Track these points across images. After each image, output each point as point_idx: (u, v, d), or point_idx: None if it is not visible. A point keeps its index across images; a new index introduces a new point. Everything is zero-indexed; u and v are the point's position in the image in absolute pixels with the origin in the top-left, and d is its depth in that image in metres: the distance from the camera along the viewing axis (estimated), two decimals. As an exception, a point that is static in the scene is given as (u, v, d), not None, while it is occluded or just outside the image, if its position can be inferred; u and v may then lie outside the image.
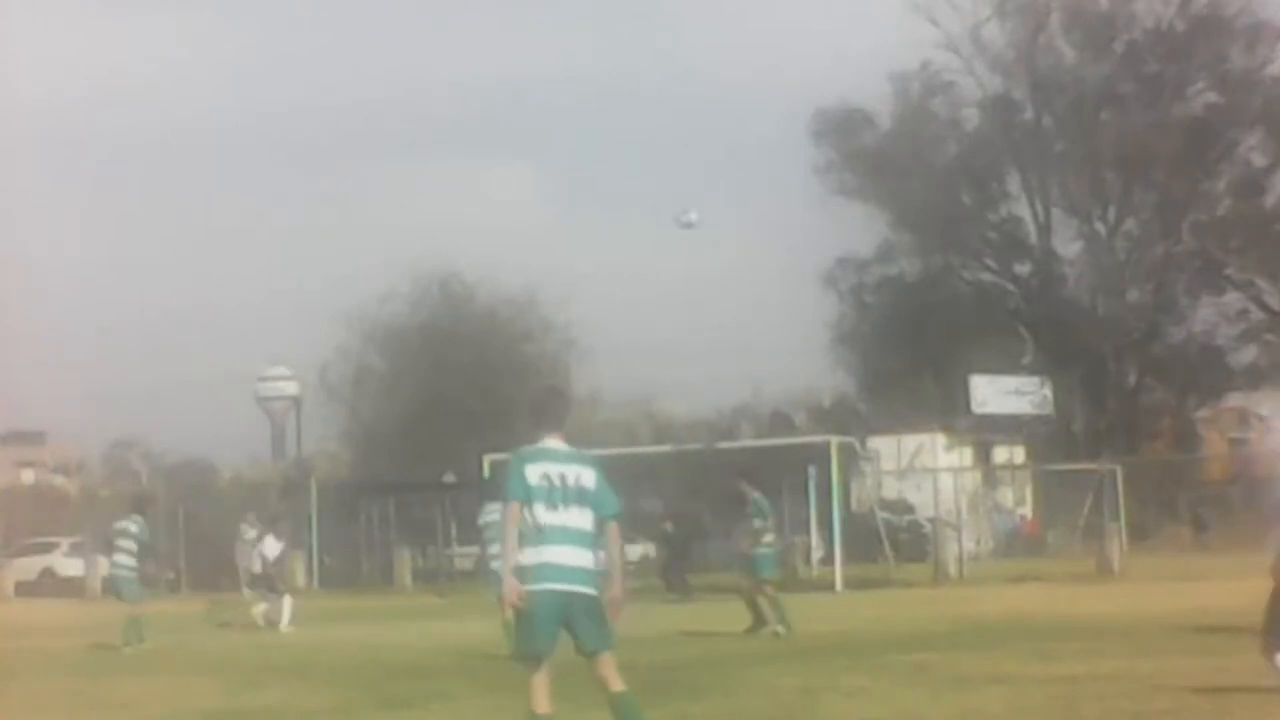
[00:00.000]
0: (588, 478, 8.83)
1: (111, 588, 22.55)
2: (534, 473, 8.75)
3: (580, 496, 8.76)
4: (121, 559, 22.10)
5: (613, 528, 8.88)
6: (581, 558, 8.67)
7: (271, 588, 26.58)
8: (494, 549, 19.51)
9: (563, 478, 8.76)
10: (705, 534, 42.24)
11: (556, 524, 8.67)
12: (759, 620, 20.40)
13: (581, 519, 8.71)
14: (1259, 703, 11.06)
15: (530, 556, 8.64)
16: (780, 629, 19.85)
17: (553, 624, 8.53)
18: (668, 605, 30.16)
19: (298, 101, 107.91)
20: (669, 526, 38.26)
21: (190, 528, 48.68)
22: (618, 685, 8.59)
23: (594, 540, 8.78)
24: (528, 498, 8.70)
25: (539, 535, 8.66)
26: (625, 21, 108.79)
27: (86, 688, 16.16)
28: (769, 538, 21.14)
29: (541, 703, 8.58)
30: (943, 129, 61.74)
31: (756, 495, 21.17)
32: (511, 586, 8.59)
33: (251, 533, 30.42)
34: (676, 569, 36.29)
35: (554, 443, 8.90)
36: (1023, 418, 54.01)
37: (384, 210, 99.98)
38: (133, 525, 22.15)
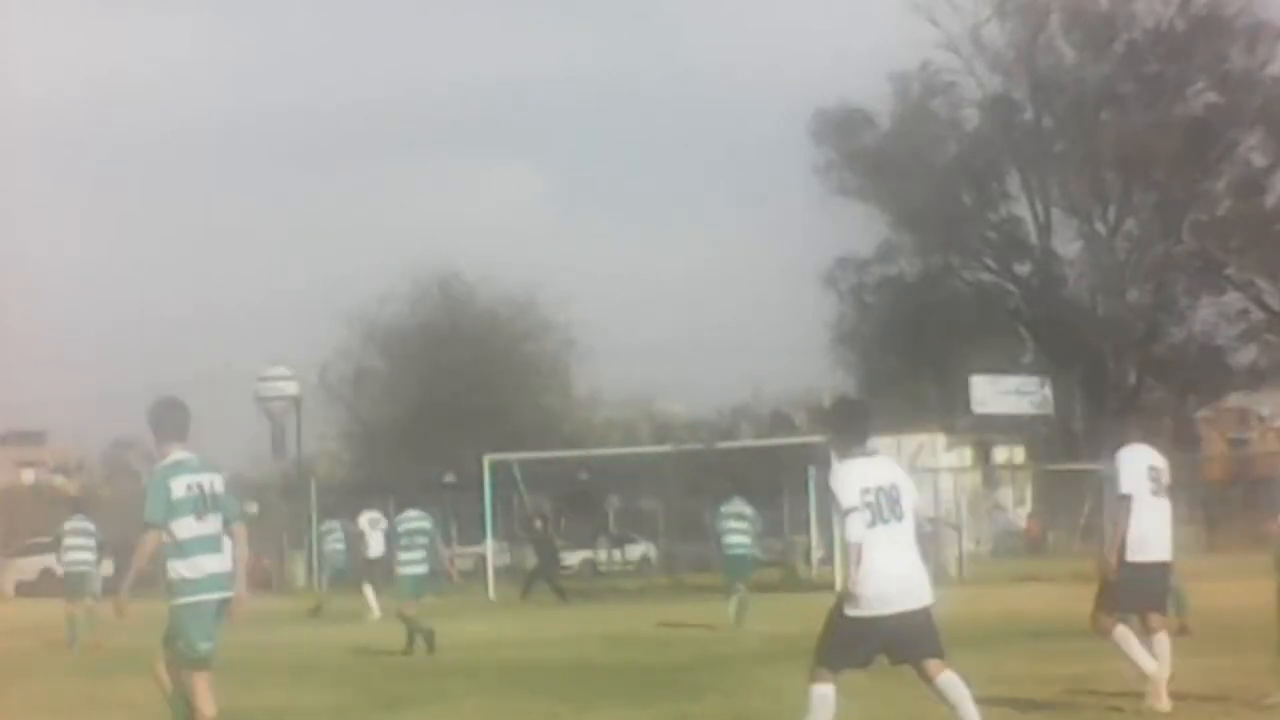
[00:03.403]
0: (219, 484, 9.25)
1: (72, 585, 23.28)
2: (178, 486, 9.06)
3: (216, 504, 9.15)
4: (82, 555, 23.14)
5: (238, 530, 9.31)
6: (227, 563, 9.23)
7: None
8: (408, 555, 19.76)
9: (201, 487, 9.13)
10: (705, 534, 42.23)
11: (206, 534, 9.12)
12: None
13: (217, 525, 9.17)
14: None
15: (191, 568, 9.10)
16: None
17: (214, 629, 9.28)
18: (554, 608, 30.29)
19: (298, 101, 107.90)
20: (538, 524, 37.93)
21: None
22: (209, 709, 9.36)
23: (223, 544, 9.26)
24: (171, 513, 9.05)
25: (193, 546, 9.04)
26: (625, 21, 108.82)
27: (87, 688, 16.14)
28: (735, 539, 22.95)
29: (207, 705, 9.40)
30: (943, 129, 61.70)
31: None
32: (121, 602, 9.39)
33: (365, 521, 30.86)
34: (546, 570, 35.97)
35: (183, 454, 9.23)
36: (1023, 418, 54.02)
37: (384, 210, 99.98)
38: (89, 524, 23.35)
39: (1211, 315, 59.29)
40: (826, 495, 9.01)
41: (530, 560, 37.10)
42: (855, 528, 8.35)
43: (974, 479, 46.22)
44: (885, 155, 59.80)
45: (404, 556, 19.90)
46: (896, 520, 8.50)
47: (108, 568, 25.75)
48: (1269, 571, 12.20)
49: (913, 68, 59.72)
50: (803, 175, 60.71)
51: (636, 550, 50.96)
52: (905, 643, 8.48)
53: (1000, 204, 62.16)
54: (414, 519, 20.16)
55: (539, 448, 41.83)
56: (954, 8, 58.41)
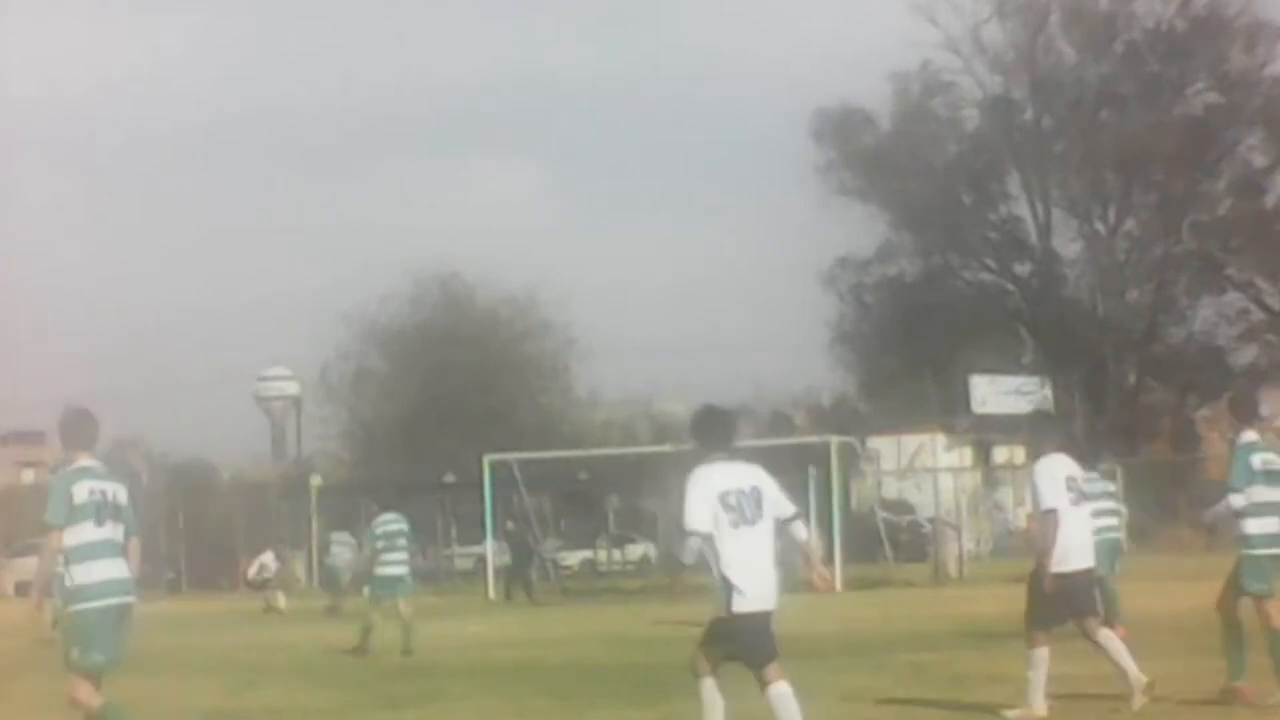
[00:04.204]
0: (122, 495, 9.39)
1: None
2: (81, 491, 9.17)
3: (116, 513, 9.27)
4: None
5: (134, 544, 9.42)
6: (125, 569, 9.27)
7: None
8: (389, 556, 20.04)
9: (103, 494, 9.24)
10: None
11: (104, 540, 9.18)
12: None
13: (117, 533, 9.25)
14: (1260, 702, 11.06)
15: (86, 574, 9.10)
16: None
17: (118, 635, 9.22)
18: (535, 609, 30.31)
19: (298, 101, 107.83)
20: (510, 526, 37.97)
21: (190, 528, 48.69)
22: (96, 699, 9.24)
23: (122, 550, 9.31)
24: (72, 517, 9.12)
25: (89, 552, 9.12)
26: (626, 21, 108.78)
27: (86, 688, 16.13)
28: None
29: (93, 697, 9.25)
30: (943, 129, 61.71)
31: None
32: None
33: None
34: (519, 570, 36.03)
35: (88, 461, 9.41)
36: (1023, 418, 53.98)
37: (384, 210, 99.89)
38: None
39: (1211, 315, 59.36)
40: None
41: (515, 562, 37.10)
42: (696, 542, 8.64)
43: (974, 479, 46.20)
44: (885, 155, 59.82)
45: (382, 558, 20.26)
46: (759, 522, 8.78)
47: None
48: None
49: (913, 68, 59.81)
50: (803, 175, 60.82)
51: (636, 550, 50.94)
52: (761, 643, 8.78)
53: (1000, 204, 62.16)
54: (391, 521, 20.56)
55: (539, 448, 41.84)
56: (954, 8, 58.49)
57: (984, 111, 61.05)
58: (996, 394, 54.42)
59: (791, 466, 39.07)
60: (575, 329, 57.85)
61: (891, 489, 44.77)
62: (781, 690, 8.74)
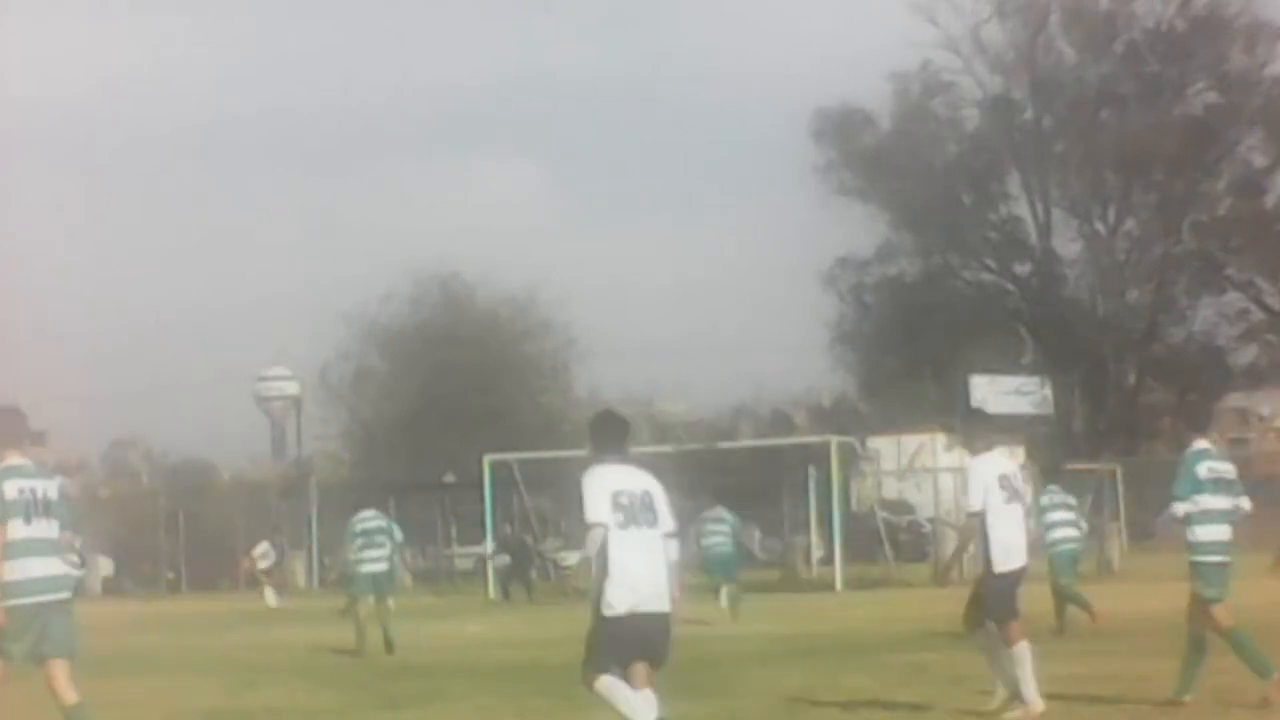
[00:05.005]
0: (54, 491, 9.48)
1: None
2: (10, 489, 9.27)
3: (47, 509, 9.36)
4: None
5: (67, 536, 9.56)
6: (58, 566, 9.40)
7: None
8: (368, 554, 20.24)
9: (33, 491, 9.33)
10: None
11: (36, 537, 9.27)
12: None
13: (50, 530, 9.33)
14: (1259, 702, 11.05)
15: (17, 570, 9.17)
16: None
17: (58, 631, 9.39)
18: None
19: (298, 101, 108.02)
20: (507, 528, 38.06)
21: (190, 528, 48.68)
22: (70, 697, 9.58)
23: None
24: (3, 514, 9.20)
25: (20, 549, 9.21)
26: (626, 21, 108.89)
27: (86, 687, 16.12)
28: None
29: (71, 694, 9.62)
30: (943, 129, 61.69)
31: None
32: None
33: None
34: (520, 571, 36.10)
35: (18, 459, 9.52)
36: (1023, 418, 54.00)
37: (384, 210, 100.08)
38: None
39: (1211, 315, 59.34)
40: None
41: (515, 562, 37.21)
42: (600, 532, 8.66)
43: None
44: (885, 155, 59.79)
45: (361, 555, 20.38)
46: (649, 526, 8.78)
47: (107, 567, 25.98)
48: (1269, 571, 12.19)
49: (913, 68, 59.78)
50: (803, 175, 60.73)
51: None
52: (651, 644, 8.74)
53: (1000, 204, 62.14)
54: (370, 519, 20.72)
55: (539, 448, 41.82)
56: (954, 8, 58.48)
57: (984, 111, 61.04)
58: (996, 394, 54.33)
59: (791, 466, 39.16)
60: (575, 329, 57.89)
61: (891, 489, 44.72)
62: (646, 696, 8.72)
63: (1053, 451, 40.54)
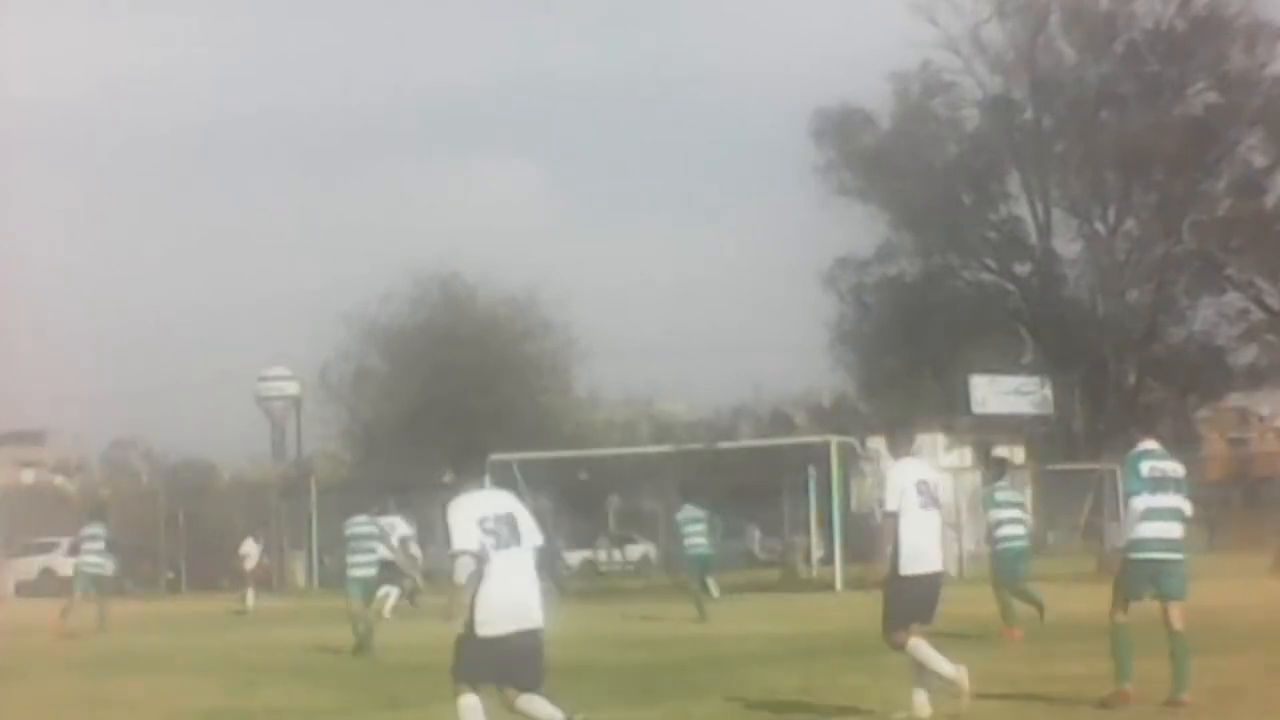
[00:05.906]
0: None
1: (88, 584, 25.65)
2: None
3: None
4: (94, 559, 25.56)
5: None
6: None
7: None
8: (357, 558, 20.37)
9: None
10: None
11: None
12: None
13: None
14: (1260, 702, 11.06)
15: None
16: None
17: None
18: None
19: (298, 101, 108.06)
20: None
21: (190, 528, 48.68)
22: None
23: None
24: None
25: None
26: (626, 21, 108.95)
27: (87, 688, 16.17)
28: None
29: None
30: (943, 129, 61.65)
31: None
32: None
33: None
34: None
35: None
36: (1023, 418, 54.00)
37: (384, 210, 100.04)
38: (102, 529, 25.93)
39: (1211, 315, 59.25)
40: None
41: None
42: (467, 560, 9.08)
43: (974, 479, 46.12)
44: (885, 155, 59.76)
45: (352, 560, 20.68)
46: (515, 545, 9.25)
47: (108, 567, 26.26)
48: (1269, 571, 12.19)
49: (913, 68, 59.70)
50: (803, 175, 60.68)
51: (636, 550, 50.95)
52: (518, 662, 9.24)
53: (1000, 204, 62.10)
54: (361, 524, 21.05)
55: (539, 448, 41.80)
56: (954, 8, 58.42)
57: (984, 111, 61.02)
58: (996, 394, 54.34)
59: (791, 466, 39.16)
60: (575, 329, 57.80)
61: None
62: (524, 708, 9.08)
63: (1000, 449, 40.61)
